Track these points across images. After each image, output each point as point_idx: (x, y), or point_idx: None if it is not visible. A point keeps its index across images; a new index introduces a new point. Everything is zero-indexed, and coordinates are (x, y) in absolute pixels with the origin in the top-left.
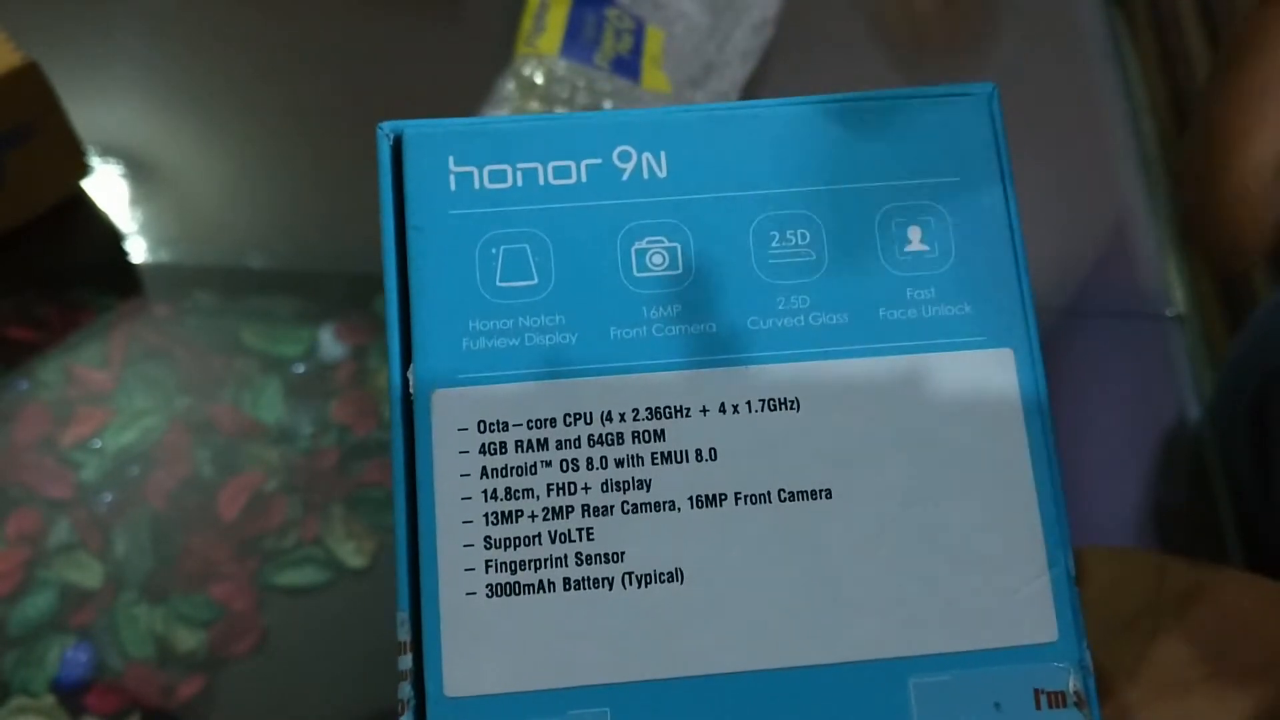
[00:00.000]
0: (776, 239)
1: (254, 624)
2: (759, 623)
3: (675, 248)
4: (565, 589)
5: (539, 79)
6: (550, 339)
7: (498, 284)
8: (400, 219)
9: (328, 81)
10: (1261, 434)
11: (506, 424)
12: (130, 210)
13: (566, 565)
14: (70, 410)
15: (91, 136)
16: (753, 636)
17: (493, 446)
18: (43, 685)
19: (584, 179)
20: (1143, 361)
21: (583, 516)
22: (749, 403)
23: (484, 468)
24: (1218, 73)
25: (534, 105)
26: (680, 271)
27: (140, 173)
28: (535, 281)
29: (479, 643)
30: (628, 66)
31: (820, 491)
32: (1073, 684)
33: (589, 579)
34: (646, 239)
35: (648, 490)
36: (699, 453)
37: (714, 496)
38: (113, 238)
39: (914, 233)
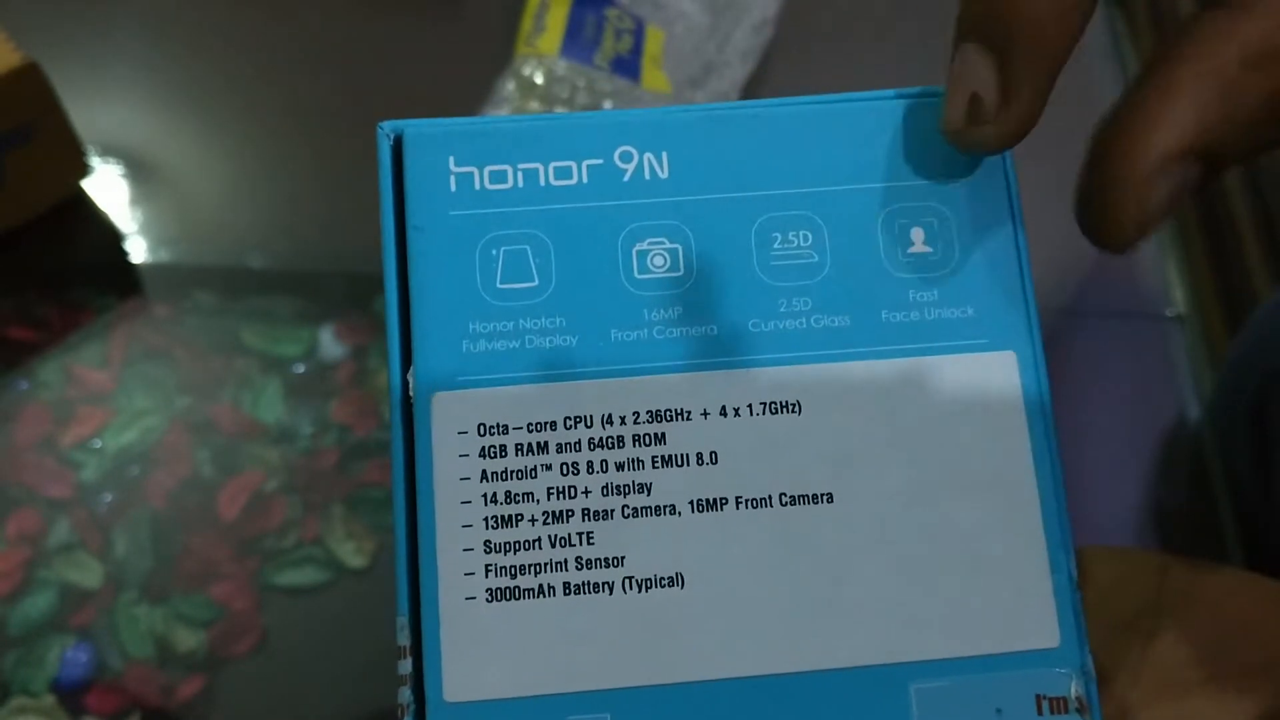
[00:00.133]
0: (778, 240)
1: (254, 624)
2: (760, 627)
3: (676, 249)
4: (565, 593)
5: (539, 79)
6: (551, 341)
7: (498, 285)
8: (400, 219)
9: (328, 81)
10: (1261, 434)
11: (507, 427)
12: (130, 210)
13: (566, 569)
14: (70, 410)
15: (91, 136)
16: (753, 641)
17: (493, 450)
18: (43, 685)
19: (585, 180)
20: (1143, 361)
21: (583, 520)
22: (750, 405)
23: (484, 471)
24: (1148, 62)
25: (534, 105)
26: (681, 273)
27: (140, 173)
28: (536, 283)
29: (479, 647)
30: (628, 66)
31: (821, 495)
32: (1074, 689)
33: (589, 583)
34: (648, 240)
35: (648, 494)
36: (700, 456)
37: (715, 500)
38: (113, 238)
39: (917, 234)
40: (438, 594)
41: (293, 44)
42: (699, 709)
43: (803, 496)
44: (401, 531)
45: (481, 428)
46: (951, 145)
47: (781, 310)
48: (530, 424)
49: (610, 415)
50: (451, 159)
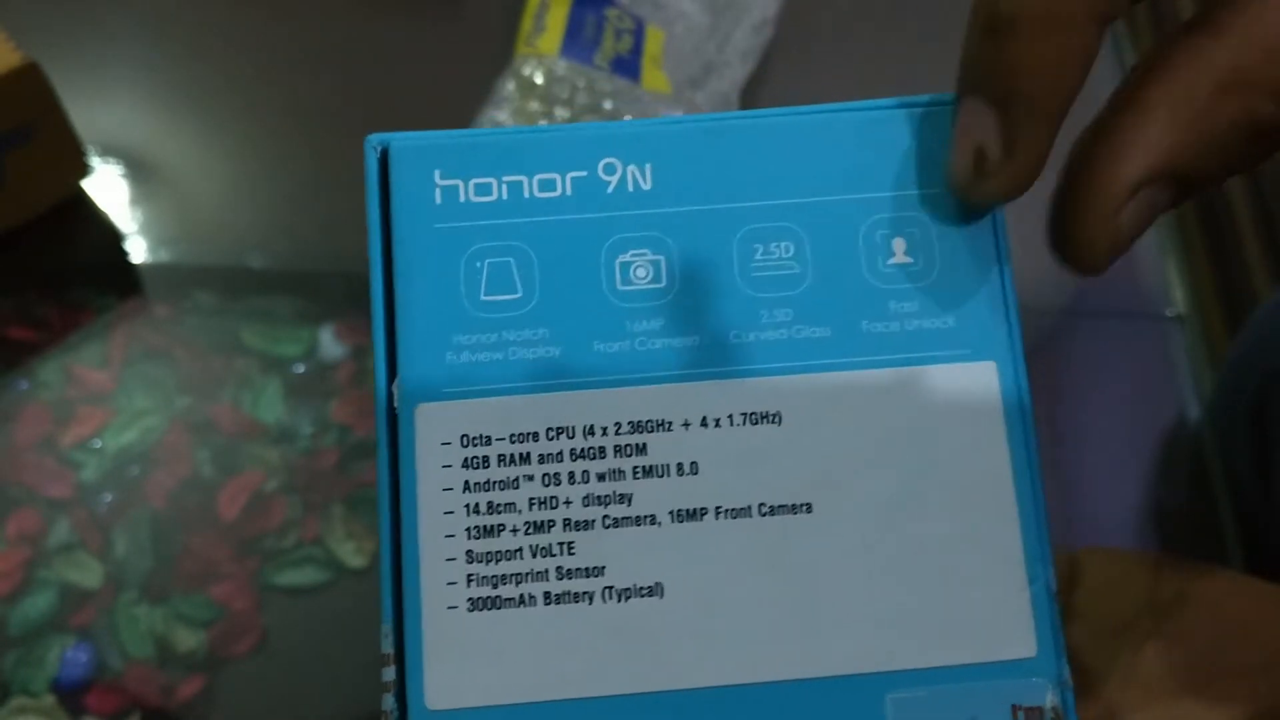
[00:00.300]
0: (760, 251)
1: (254, 624)
2: (738, 637)
3: (659, 261)
4: (546, 603)
5: (539, 79)
6: (534, 352)
7: (482, 297)
8: (387, 232)
9: (328, 81)
10: (1261, 434)
11: (489, 438)
12: (130, 210)
13: (547, 579)
14: (70, 410)
15: (91, 136)
16: (732, 651)
17: (475, 460)
18: (43, 685)
19: (569, 192)
20: (1143, 362)
21: (564, 530)
22: (731, 416)
23: (466, 481)
24: (1121, 84)
25: (534, 105)
26: (664, 285)
27: (140, 173)
28: (520, 295)
29: (461, 656)
30: (628, 66)
31: (801, 506)
32: (1050, 700)
33: (570, 593)
34: (631, 252)
35: (629, 504)
36: (680, 466)
37: (695, 511)
38: (113, 238)
39: (899, 245)
40: (420, 603)
41: (293, 44)
42: (677, 718)
43: (782, 507)
44: (386, 540)
45: (465, 439)
46: (959, 199)
47: (763, 321)
48: (513, 435)
49: (592, 426)
50: (437, 172)
